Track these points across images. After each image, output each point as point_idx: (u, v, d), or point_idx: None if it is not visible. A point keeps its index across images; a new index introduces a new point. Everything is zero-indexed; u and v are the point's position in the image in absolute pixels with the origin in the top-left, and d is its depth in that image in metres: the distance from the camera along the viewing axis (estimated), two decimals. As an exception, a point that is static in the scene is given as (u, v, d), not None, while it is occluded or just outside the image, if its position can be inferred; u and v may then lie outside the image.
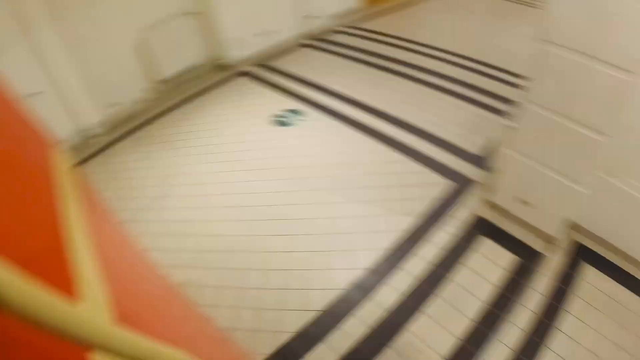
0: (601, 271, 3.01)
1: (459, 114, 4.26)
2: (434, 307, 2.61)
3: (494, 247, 3.01)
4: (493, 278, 2.83)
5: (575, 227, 3.13)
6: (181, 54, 4.88)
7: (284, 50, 5.70)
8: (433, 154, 3.69)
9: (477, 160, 3.63)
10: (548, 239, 3.08)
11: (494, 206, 3.19)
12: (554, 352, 2.53)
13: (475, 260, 2.91)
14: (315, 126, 4.12)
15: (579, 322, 2.73)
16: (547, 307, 2.75)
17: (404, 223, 3.08)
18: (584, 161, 2.62)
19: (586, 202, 2.85)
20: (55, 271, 0.64)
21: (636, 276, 3.03)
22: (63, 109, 3.94)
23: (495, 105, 4.40)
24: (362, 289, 2.67)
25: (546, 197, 2.90)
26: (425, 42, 5.99)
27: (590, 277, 2.96)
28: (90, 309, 0.61)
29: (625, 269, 3.04)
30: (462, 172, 3.51)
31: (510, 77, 4.97)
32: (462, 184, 3.40)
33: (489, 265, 2.90)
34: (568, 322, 2.70)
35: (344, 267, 2.80)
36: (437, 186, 3.34)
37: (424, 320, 2.55)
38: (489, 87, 4.76)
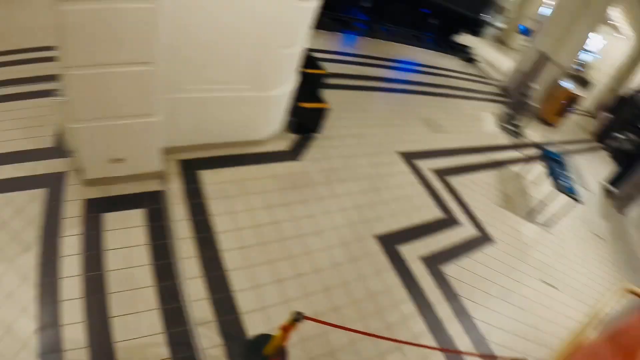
0: (211, 168, 3.52)
1: (17, 115, 3.77)
2: (117, 304, 2.57)
3: (119, 216, 3.09)
4: (139, 239, 2.93)
5: (171, 150, 3.46)
6: None
7: None
8: (5, 174, 3.22)
9: (56, 152, 3.40)
10: (158, 175, 3.32)
11: (93, 182, 3.16)
12: (232, 251, 2.92)
13: (114, 238, 2.94)
14: None
15: (228, 216, 3.20)
16: (198, 225, 3.07)
17: (31, 259, 2.73)
18: (145, 94, 2.82)
19: (166, 126, 3.13)
20: None
21: (230, 154, 3.67)
22: None
23: (40, 88, 4.06)
24: (50, 350, 2.34)
25: (131, 143, 3.05)
26: None
27: (208, 179, 3.42)
28: None
29: (223, 154, 3.63)
30: (46, 172, 3.27)
31: (46, 53, 4.63)
32: (55, 183, 3.19)
33: (127, 233, 2.99)
34: (222, 222, 3.13)
35: (15, 350, 2.32)
36: (32, 202, 3.02)
37: (121, 321, 2.50)
38: (33, 73, 4.33)
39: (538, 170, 6.94)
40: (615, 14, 14.21)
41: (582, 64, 21.25)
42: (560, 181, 5.75)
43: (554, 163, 6.21)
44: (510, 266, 4.73)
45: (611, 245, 7.40)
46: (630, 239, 8.45)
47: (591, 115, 15.40)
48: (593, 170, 10.28)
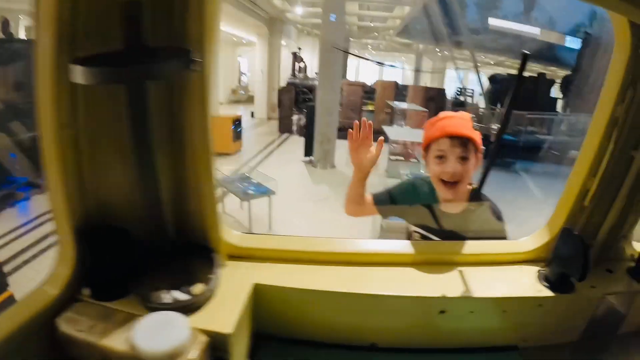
0: None
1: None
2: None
3: None
4: None
5: None
6: None
7: None
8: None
9: None
10: None
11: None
12: None
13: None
14: None
15: None
16: None
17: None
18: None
19: None
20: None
21: None
22: None
23: None
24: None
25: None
26: None
27: None
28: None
29: None
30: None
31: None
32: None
33: None
34: None
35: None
36: None
37: None
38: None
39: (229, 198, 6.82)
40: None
41: (245, 87, 24.11)
42: (247, 192, 5.98)
43: (239, 182, 6.43)
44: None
45: (337, 198, 8.16)
46: (339, 182, 9.44)
47: (271, 118, 17.33)
48: (292, 156, 11.21)
